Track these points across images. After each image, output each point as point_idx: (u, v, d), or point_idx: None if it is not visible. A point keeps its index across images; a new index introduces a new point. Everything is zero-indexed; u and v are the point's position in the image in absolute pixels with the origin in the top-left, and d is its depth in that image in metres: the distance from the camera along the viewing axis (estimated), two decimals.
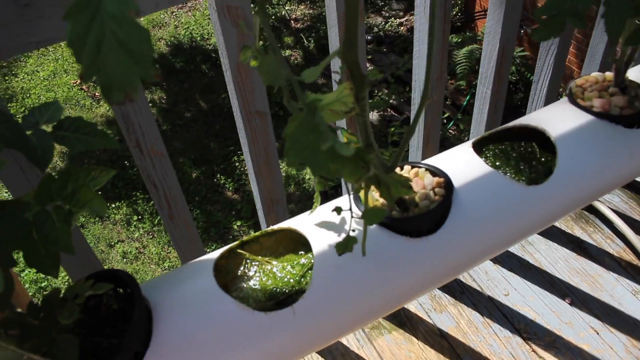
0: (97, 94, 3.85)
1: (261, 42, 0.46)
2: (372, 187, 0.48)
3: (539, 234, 1.48)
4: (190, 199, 3.09)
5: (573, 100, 0.69)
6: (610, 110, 0.66)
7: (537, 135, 0.66)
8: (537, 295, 1.32)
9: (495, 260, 1.43)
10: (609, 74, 0.71)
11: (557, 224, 1.52)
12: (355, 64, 0.44)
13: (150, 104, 3.66)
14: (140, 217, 3.00)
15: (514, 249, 1.45)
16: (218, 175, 3.16)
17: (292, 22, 4.16)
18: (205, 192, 3.11)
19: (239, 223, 2.89)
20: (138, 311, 0.46)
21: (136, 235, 2.93)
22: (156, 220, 2.92)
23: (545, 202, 0.61)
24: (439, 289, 1.33)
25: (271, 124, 0.84)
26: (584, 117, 0.66)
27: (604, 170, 0.65)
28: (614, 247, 1.47)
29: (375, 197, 0.56)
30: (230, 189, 3.07)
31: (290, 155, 0.32)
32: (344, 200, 0.58)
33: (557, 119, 0.67)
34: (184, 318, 0.50)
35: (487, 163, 0.63)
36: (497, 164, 0.64)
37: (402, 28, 3.98)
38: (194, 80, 3.86)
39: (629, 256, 1.44)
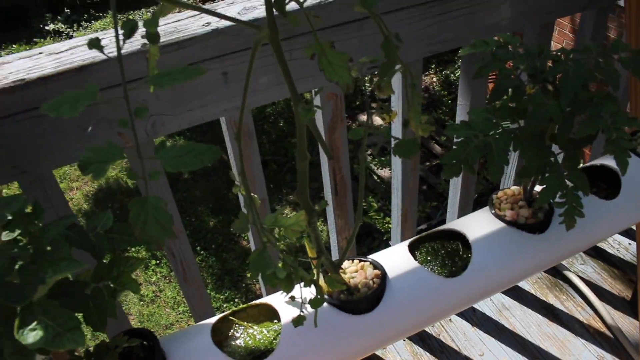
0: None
1: None
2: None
3: (515, 299, 1.67)
4: (207, 246, 3.33)
5: (491, 210, 0.91)
6: (518, 219, 0.88)
7: (462, 237, 0.88)
8: (509, 357, 1.51)
9: (473, 323, 1.63)
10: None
11: (532, 291, 1.71)
12: (305, 202, 0.67)
13: None
14: (158, 262, 3.24)
15: (491, 313, 1.65)
16: None
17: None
18: (221, 241, 3.35)
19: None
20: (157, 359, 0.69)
21: (153, 279, 3.16)
22: None
23: (460, 291, 0.82)
24: (421, 346, 1.53)
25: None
26: (498, 224, 0.88)
27: (510, 266, 0.86)
28: (584, 315, 1.65)
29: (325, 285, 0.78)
30: (245, 238, 3.30)
31: (252, 272, 0.55)
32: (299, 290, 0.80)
33: (477, 224, 0.89)
34: None
35: (419, 259, 0.85)
36: (429, 259, 0.86)
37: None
38: (215, 132, 4.14)
39: (597, 324, 1.62)
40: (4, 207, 0.58)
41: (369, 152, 3.93)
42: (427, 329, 1.56)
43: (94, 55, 0.85)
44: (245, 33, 0.93)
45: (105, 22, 6.53)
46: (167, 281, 3.11)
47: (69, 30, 6.60)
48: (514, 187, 0.95)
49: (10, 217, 0.63)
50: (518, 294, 1.67)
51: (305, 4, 0.62)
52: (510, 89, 0.75)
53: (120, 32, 0.50)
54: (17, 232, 0.64)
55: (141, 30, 0.54)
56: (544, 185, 0.74)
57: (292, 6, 0.60)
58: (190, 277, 1.25)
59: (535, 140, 0.74)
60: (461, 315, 1.60)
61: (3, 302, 0.53)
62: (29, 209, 0.66)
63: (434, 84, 5.36)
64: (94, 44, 0.50)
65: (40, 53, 0.87)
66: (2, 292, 0.53)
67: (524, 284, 1.70)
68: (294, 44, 0.97)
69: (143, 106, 0.52)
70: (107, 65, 0.86)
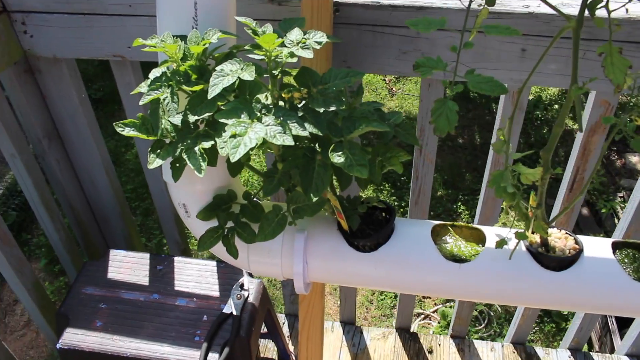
0: (394, 88, 4.52)
1: None
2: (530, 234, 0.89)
3: None
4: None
5: None
6: None
7: None
8: None
9: None
10: None
11: None
12: (546, 160, 0.84)
13: None
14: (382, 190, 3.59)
15: None
16: None
17: None
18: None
19: None
20: (391, 224, 0.94)
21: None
22: None
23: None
24: None
25: None
26: None
27: None
28: None
29: (532, 237, 0.96)
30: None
31: (491, 182, 0.75)
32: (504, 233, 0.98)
33: None
34: (407, 241, 0.97)
35: (617, 257, 0.97)
36: (626, 260, 0.98)
37: None
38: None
39: None
40: (348, 75, 0.85)
41: (621, 194, 3.78)
42: None
43: (433, 1, 1.10)
44: (554, 23, 1.10)
45: None
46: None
47: None
48: None
49: (341, 89, 0.92)
50: None
51: (613, 14, 0.78)
52: None
53: None
54: (343, 101, 0.93)
55: None
56: None
57: (601, 13, 0.77)
58: (420, 202, 1.50)
59: None
60: None
61: (328, 134, 0.81)
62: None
63: None
64: None
65: None
66: (330, 127, 0.82)
67: None
68: (591, 45, 1.12)
69: (470, 42, 0.74)
70: (438, 11, 1.10)
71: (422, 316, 2.89)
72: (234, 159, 0.70)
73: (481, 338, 2.70)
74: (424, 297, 3.01)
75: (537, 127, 4.61)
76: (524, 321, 1.86)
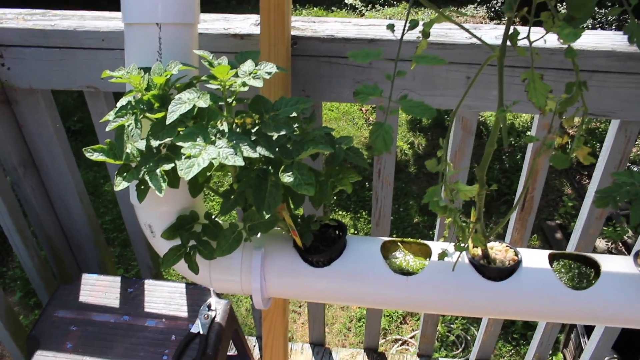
0: (370, 118, 4.63)
1: None
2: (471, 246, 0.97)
3: None
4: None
5: (635, 259, 1.07)
6: None
7: (597, 267, 1.06)
8: None
9: None
10: None
11: None
12: (481, 178, 0.92)
13: None
14: (356, 232, 3.66)
15: None
16: None
17: None
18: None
19: None
20: (342, 240, 1.01)
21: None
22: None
23: (574, 302, 1.01)
24: None
25: None
26: (633, 270, 1.04)
27: (628, 306, 1.02)
28: None
29: (475, 250, 1.03)
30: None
31: (426, 197, 0.83)
32: (449, 247, 1.05)
33: (615, 262, 1.05)
34: (358, 256, 1.04)
35: (554, 267, 1.05)
36: (562, 270, 1.06)
37: None
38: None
39: None
40: (297, 103, 0.93)
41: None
42: None
43: (383, 34, 1.19)
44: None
45: (395, 11, 7.11)
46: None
47: (363, 8, 7.32)
48: None
49: (294, 115, 1.00)
50: None
51: (536, 44, 0.87)
52: None
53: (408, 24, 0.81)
54: (296, 124, 1.01)
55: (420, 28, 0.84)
56: None
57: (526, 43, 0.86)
58: (381, 223, 1.57)
59: None
60: None
61: (279, 157, 0.89)
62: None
63: None
64: (390, 27, 0.82)
65: (349, 22, 1.24)
66: (281, 150, 0.89)
67: None
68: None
69: (403, 70, 0.82)
70: (389, 43, 1.19)
71: (400, 342, 2.94)
72: (187, 177, 0.77)
73: (452, 357, 2.76)
74: (401, 323, 3.06)
75: (511, 153, 4.75)
76: (487, 337, 1.93)
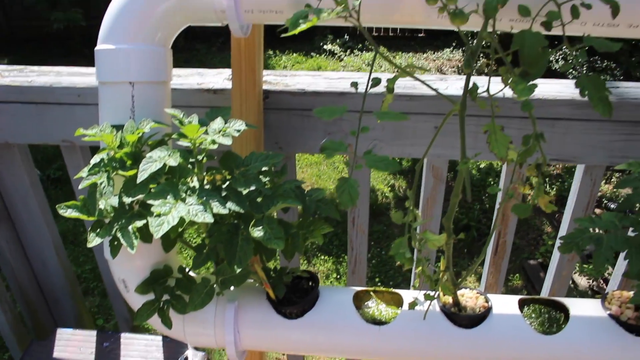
0: None
1: None
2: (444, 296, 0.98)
3: None
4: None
5: (602, 302, 1.09)
6: (621, 316, 1.05)
7: (567, 311, 1.08)
8: None
9: None
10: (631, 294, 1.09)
11: None
12: (448, 227, 0.95)
13: None
14: (338, 277, 3.65)
15: None
16: None
17: None
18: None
19: None
20: (315, 292, 1.02)
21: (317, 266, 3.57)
22: None
23: (542, 346, 1.02)
24: None
25: None
26: (601, 313, 1.06)
27: (597, 350, 1.04)
28: None
29: (446, 298, 1.05)
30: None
31: (393, 249, 0.85)
32: (420, 295, 1.07)
33: (584, 306, 1.07)
34: (331, 307, 1.05)
35: (524, 312, 1.06)
36: (533, 315, 1.07)
37: None
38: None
39: None
40: (267, 158, 0.95)
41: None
42: None
43: (351, 88, 1.23)
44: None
45: (372, 56, 7.27)
46: (327, 275, 3.53)
47: (341, 53, 7.47)
48: (628, 293, 1.11)
49: (265, 169, 1.02)
50: None
51: (500, 94, 0.91)
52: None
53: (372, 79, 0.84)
54: (267, 178, 1.03)
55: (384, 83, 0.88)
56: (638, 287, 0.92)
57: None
58: (357, 271, 1.58)
59: None
60: None
61: (250, 211, 0.90)
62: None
63: None
64: (354, 85, 0.85)
65: (319, 75, 1.28)
66: (251, 204, 0.91)
67: None
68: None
69: (366, 126, 0.86)
70: (357, 96, 1.23)
71: None
72: (157, 235, 0.78)
73: None
74: None
75: (490, 195, 4.80)
76: None
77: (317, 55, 7.64)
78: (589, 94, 0.86)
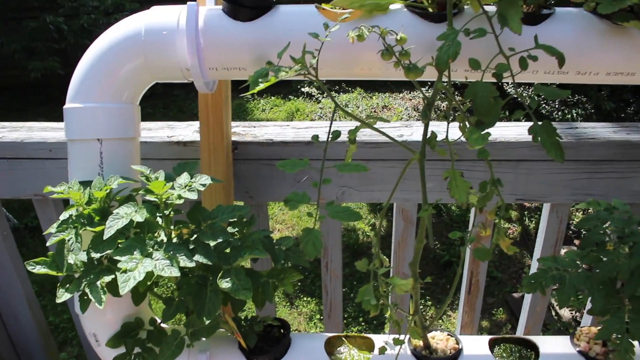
0: None
1: None
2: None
3: None
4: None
5: (572, 338, 1.10)
6: (589, 352, 1.07)
7: (537, 348, 1.10)
8: None
9: None
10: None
11: None
12: (414, 272, 0.97)
13: None
14: (322, 318, 3.65)
15: None
16: None
17: None
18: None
19: None
20: (287, 339, 1.03)
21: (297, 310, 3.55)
22: None
23: None
24: None
25: None
26: (570, 350, 1.08)
27: None
28: None
29: (417, 342, 1.06)
30: None
31: (359, 296, 0.86)
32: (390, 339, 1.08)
33: (553, 343, 1.09)
34: (302, 354, 1.05)
35: (496, 352, 1.08)
36: (504, 355, 1.09)
37: None
38: None
39: None
40: (234, 210, 0.97)
41: None
42: None
43: (320, 137, 1.26)
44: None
45: (350, 97, 7.37)
46: (310, 317, 3.52)
47: (319, 96, 7.57)
48: (595, 329, 1.13)
49: (234, 220, 1.03)
50: None
51: (458, 140, 0.94)
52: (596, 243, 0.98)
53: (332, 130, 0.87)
54: (236, 229, 1.04)
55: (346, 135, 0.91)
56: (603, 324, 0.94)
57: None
58: (333, 315, 1.59)
59: (605, 286, 0.95)
60: None
61: (218, 263, 0.92)
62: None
63: None
64: (315, 138, 0.88)
65: (287, 125, 1.31)
66: (219, 256, 0.92)
67: None
68: (458, 165, 1.28)
69: (328, 178, 0.88)
70: (323, 145, 1.26)
71: None
72: (123, 292, 0.79)
73: None
74: None
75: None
76: None
77: (295, 98, 7.73)
78: (541, 139, 0.89)
